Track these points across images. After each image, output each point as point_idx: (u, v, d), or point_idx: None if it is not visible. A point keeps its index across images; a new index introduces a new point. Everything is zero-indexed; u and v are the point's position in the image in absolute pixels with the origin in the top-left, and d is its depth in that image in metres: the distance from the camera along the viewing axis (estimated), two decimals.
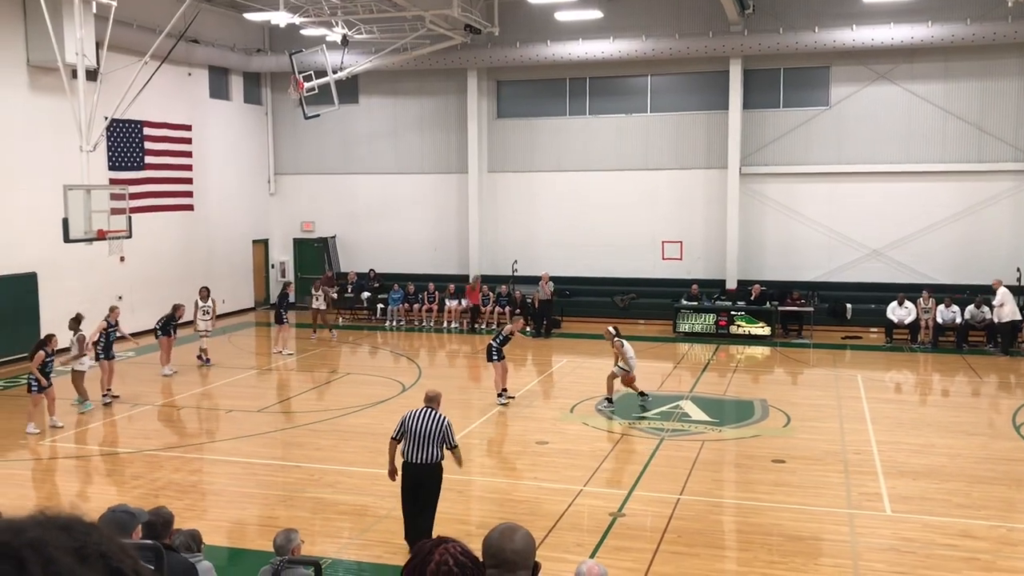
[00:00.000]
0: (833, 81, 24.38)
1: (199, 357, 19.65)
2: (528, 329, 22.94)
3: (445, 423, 9.14)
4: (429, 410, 9.18)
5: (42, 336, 15.21)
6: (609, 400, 15.53)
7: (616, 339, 15.52)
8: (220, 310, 20.68)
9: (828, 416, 15.06)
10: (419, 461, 9.00)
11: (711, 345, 22.10)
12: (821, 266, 24.74)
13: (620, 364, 15.51)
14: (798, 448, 13.12)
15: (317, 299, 23.27)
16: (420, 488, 9.08)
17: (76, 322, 16.07)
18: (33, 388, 14.19)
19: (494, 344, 15.87)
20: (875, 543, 9.63)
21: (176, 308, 19.01)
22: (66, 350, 15.95)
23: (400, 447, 9.17)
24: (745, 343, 22.34)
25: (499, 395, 15.92)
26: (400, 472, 9.24)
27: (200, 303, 20.15)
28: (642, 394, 15.70)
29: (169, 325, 18.73)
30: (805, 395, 17.06)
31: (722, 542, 10.01)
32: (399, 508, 9.39)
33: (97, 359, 16.40)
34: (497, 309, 24.73)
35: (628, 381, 15.55)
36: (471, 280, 25.36)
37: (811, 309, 23.01)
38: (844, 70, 24.18)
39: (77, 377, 15.72)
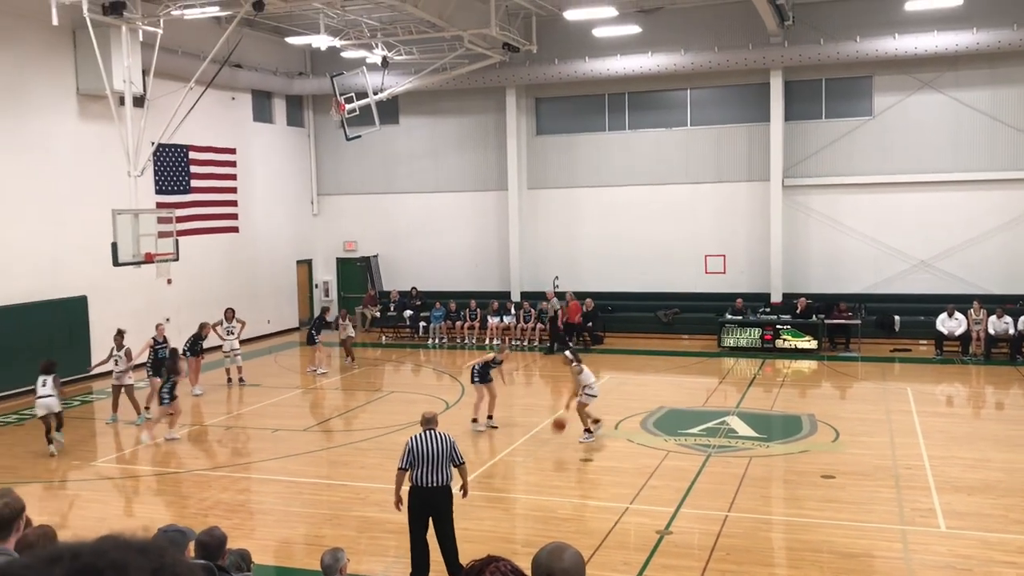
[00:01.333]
0: (876, 91, 24.09)
1: (239, 380, 19.83)
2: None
3: (451, 440, 9.02)
4: (431, 432, 9.01)
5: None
6: (588, 431, 14.35)
7: (574, 364, 14.59)
8: (264, 330, 20.86)
9: (878, 430, 14.80)
10: (434, 484, 8.78)
11: (757, 360, 21.85)
12: (868, 278, 24.38)
13: (585, 390, 14.43)
14: (848, 463, 12.89)
15: (345, 328, 22.57)
16: (436, 512, 8.86)
17: (121, 336, 16.54)
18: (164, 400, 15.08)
19: (476, 367, 15.46)
20: (930, 560, 9.42)
21: (202, 327, 19.20)
22: (104, 363, 16.48)
23: (408, 474, 8.92)
24: (791, 357, 22.06)
25: (473, 420, 15.34)
26: (408, 499, 8.93)
27: (225, 323, 20.08)
28: (587, 431, 14.35)
29: (197, 344, 18.95)
30: (854, 409, 16.78)
31: (772, 560, 9.85)
32: None
33: (147, 376, 16.76)
34: (539, 326, 24.71)
35: (580, 407, 14.34)
36: (568, 296, 24.11)
37: (858, 321, 22.67)
38: (887, 79, 23.89)
39: (129, 391, 16.17)
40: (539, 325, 24.69)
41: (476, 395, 15.52)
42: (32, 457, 14.38)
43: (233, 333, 19.98)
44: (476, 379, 15.44)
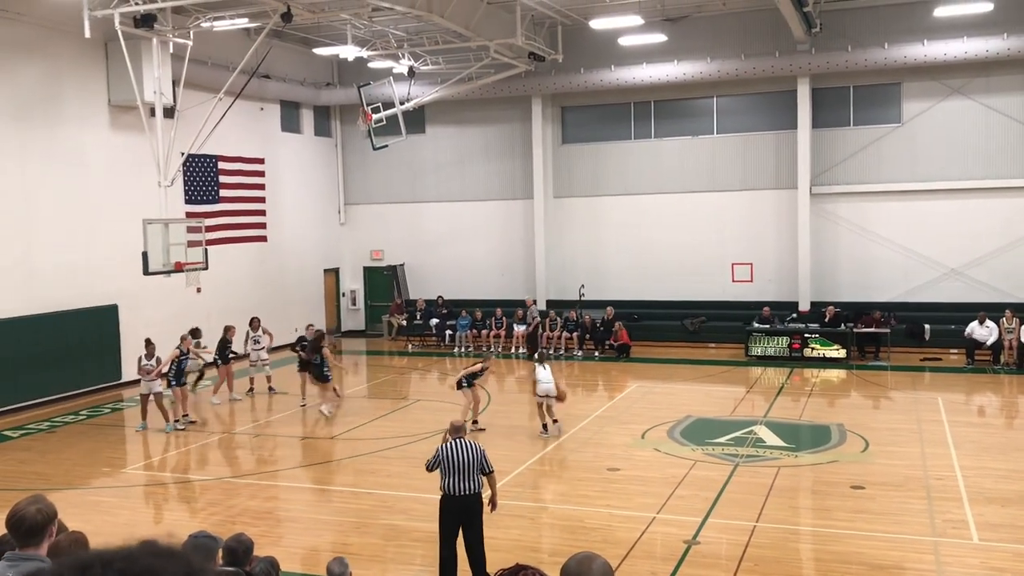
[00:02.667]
0: (905, 97, 23.88)
1: (268, 389, 19.89)
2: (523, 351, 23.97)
3: (481, 448, 9.10)
4: (461, 440, 9.09)
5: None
6: (545, 427, 15.42)
7: (536, 362, 15.73)
8: (293, 339, 20.79)
9: (908, 440, 14.63)
10: (467, 492, 8.88)
11: (785, 369, 21.68)
12: (897, 286, 24.13)
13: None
14: (877, 474, 12.75)
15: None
16: (467, 520, 8.94)
17: (150, 344, 16.80)
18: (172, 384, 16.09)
19: (463, 376, 15.99)
20: (963, 573, 9.29)
21: (227, 329, 19.34)
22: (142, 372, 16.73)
23: (439, 483, 9.02)
24: (820, 366, 21.87)
25: (474, 422, 15.90)
26: (440, 507, 9.03)
27: (251, 333, 20.05)
28: (545, 426, 15.43)
29: (227, 351, 19.06)
30: (884, 419, 16.60)
31: (801, 571, 9.75)
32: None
33: (169, 386, 16.95)
34: (564, 334, 24.69)
35: (547, 404, 15.37)
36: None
37: (888, 330, 22.43)
38: (916, 86, 23.67)
39: (158, 399, 16.41)
40: (565, 333, 24.66)
41: (463, 400, 16.00)
42: (64, 464, 14.55)
43: (260, 343, 20.02)
44: (464, 384, 15.98)
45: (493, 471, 9.17)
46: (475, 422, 15.98)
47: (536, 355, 16.56)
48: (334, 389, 18.47)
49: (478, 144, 27.98)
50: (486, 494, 9.19)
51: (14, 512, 4.05)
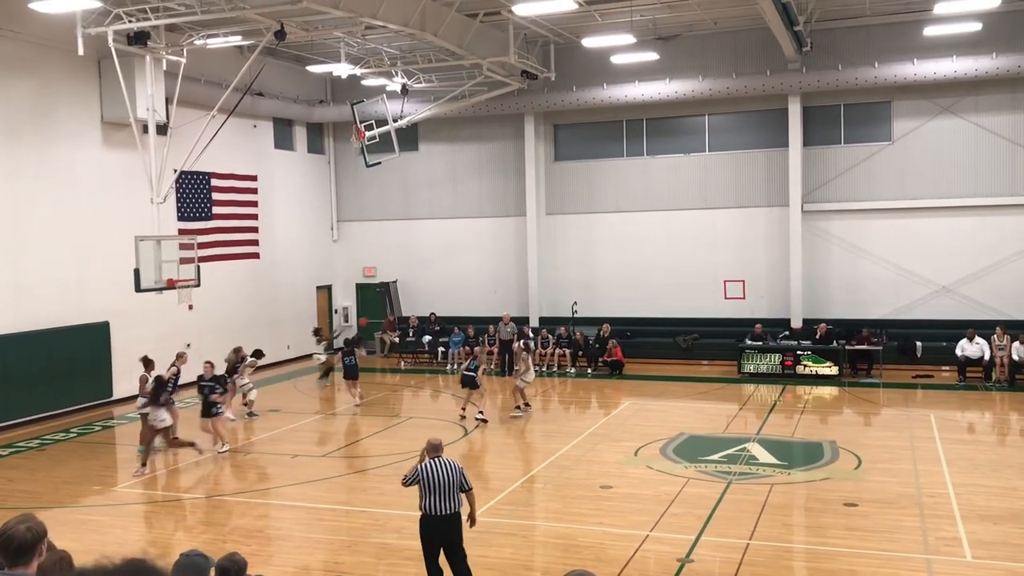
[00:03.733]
0: (895, 116, 24.04)
1: (248, 413, 19.30)
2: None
3: (460, 467, 9.04)
4: (440, 459, 9.00)
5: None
6: (519, 408, 18.73)
7: (525, 353, 19.01)
8: (285, 356, 20.69)
9: (901, 458, 14.63)
10: (448, 512, 8.84)
11: (777, 386, 21.69)
12: (889, 303, 24.21)
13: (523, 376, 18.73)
14: (870, 491, 12.74)
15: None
16: (448, 539, 8.89)
17: (147, 365, 16.55)
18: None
19: (470, 372, 18.45)
20: None
21: (238, 351, 19.34)
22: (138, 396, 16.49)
23: (419, 503, 9.01)
24: (812, 383, 21.89)
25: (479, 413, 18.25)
26: (420, 527, 8.99)
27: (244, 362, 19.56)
28: (518, 407, 18.82)
29: (235, 370, 19.03)
30: (876, 436, 16.60)
31: None
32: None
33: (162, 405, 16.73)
34: (558, 351, 24.67)
35: (516, 389, 18.88)
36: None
37: (880, 347, 22.47)
38: (906, 104, 23.84)
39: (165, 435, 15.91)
40: (558, 350, 24.64)
41: (473, 395, 18.54)
42: (53, 482, 14.45)
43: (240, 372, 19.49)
44: (468, 383, 18.46)
45: (471, 489, 9.10)
46: (480, 413, 18.22)
47: (525, 344, 19.68)
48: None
49: (471, 161, 28.04)
50: (465, 513, 9.13)
51: (3, 531, 4.01)
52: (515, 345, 21.55)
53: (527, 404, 18.88)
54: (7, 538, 3.97)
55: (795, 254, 24.56)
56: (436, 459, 8.99)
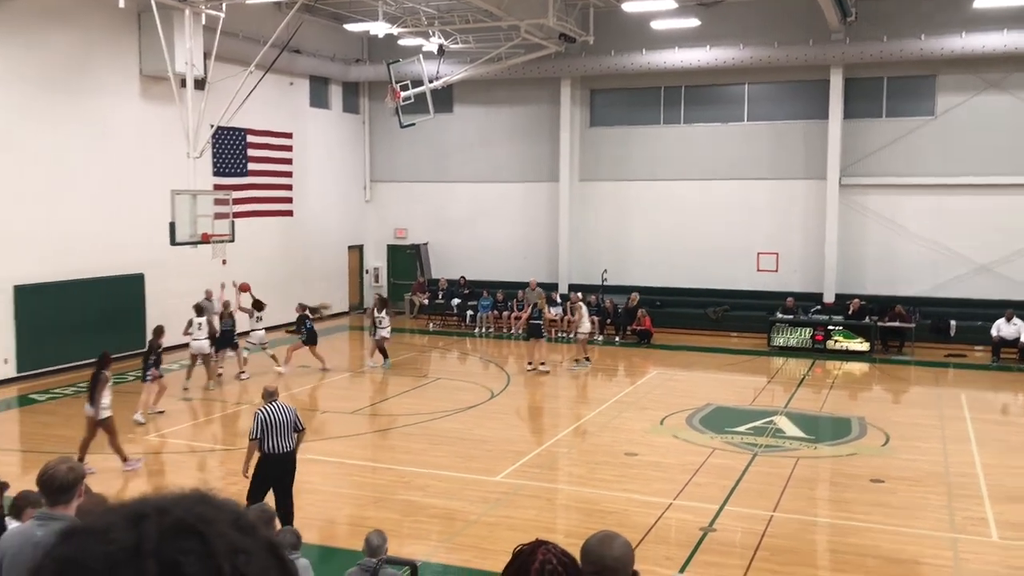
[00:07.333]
0: (940, 90, 23.55)
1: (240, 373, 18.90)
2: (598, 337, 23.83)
3: (293, 408, 10.06)
4: (275, 403, 9.91)
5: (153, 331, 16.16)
6: (577, 361, 20.20)
7: (581, 304, 20.55)
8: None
9: (930, 436, 14.52)
10: (285, 450, 9.75)
11: (807, 360, 21.56)
12: (924, 281, 23.89)
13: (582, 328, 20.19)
14: (897, 468, 12.68)
15: (381, 324, 20.14)
16: (283, 474, 9.77)
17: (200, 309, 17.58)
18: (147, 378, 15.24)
19: (536, 321, 19.55)
20: (980, 570, 9.24)
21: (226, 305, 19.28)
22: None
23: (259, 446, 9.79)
24: (843, 359, 21.72)
25: (541, 364, 19.28)
26: (257, 467, 9.80)
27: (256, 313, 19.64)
28: (577, 361, 20.21)
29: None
30: (905, 414, 16.49)
31: (816, 562, 9.74)
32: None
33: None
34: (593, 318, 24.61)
35: (582, 341, 20.42)
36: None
37: (912, 325, 22.23)
38: (952, 79, 23.33)
39: (207, 360, 17.44)
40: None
41: (541, 348, 19.80)
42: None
43: (261, 319, 19.68)
44: (532, 334, 19.72)
45: (304, 429, 10.09)
46: (542, 363, 19.42)
47: (580, 294, 21.66)
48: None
49: (505, 125, 27.90)
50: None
51: (45, 470, 4.15)
52: (573, 295, 22.80)
53: (587, 358, 20.23)
54: (49, 477, 4.11)
55: (831, 228, 24.26)
56: (272, 403, 9.87)
